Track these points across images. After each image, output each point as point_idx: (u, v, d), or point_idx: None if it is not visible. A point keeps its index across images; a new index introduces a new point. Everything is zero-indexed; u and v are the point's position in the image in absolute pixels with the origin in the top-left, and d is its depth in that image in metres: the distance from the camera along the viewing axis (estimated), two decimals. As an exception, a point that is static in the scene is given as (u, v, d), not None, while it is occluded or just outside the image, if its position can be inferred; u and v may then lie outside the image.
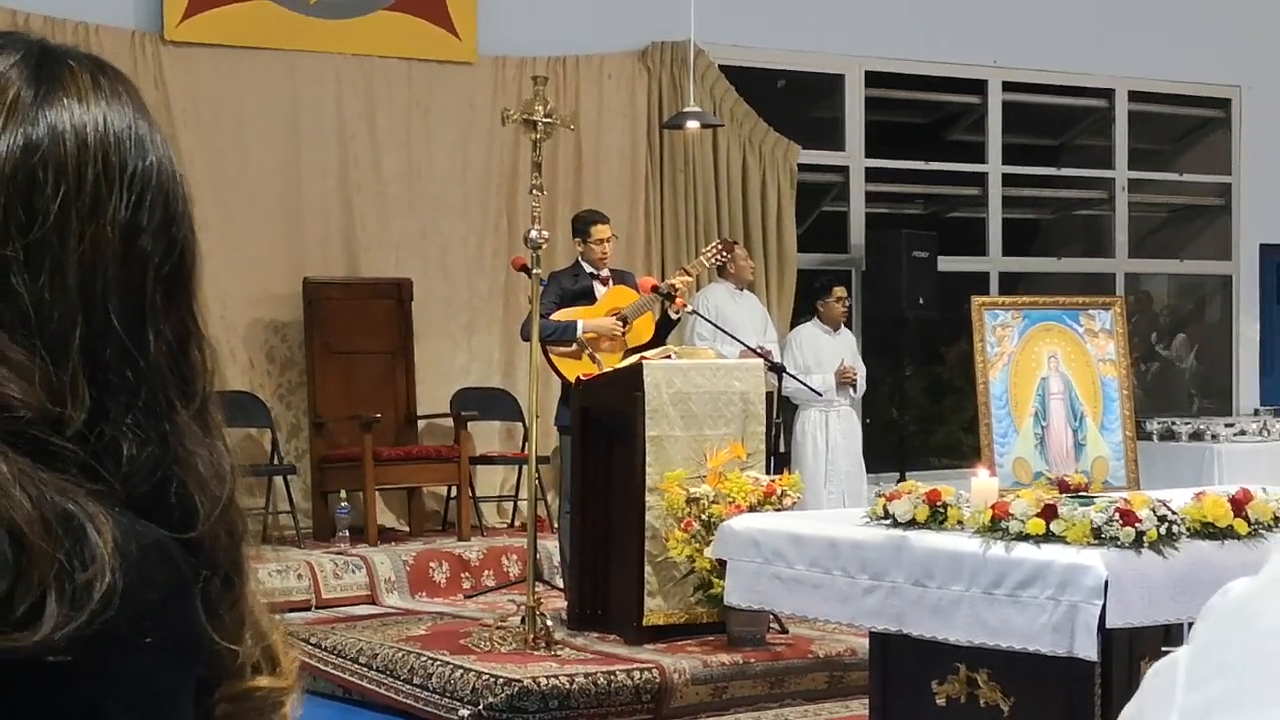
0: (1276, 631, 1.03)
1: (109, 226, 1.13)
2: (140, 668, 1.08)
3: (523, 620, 7.97)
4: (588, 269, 9.11)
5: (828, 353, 11.48)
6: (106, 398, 1.11)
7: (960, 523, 5.53)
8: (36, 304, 1.10)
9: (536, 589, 8.15)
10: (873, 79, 13.06)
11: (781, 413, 9.60)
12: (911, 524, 5.62)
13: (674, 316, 9.01)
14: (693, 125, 11.22)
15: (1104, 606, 4.96)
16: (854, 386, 11.52)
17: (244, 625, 1.17)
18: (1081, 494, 5.97)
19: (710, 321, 10.12)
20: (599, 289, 9.06)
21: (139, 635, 1.07)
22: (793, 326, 11.99)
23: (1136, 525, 5.13)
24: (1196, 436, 12.44)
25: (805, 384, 10.46)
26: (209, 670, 1.14)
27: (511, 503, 11.41)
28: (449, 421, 11.02)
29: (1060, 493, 5.85)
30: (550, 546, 9.70)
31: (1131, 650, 5.13)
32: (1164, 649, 5.00)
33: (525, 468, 9.69)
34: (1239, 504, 5.38)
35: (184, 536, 1.12)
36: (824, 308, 11.58)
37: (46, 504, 1.05)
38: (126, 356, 1.12)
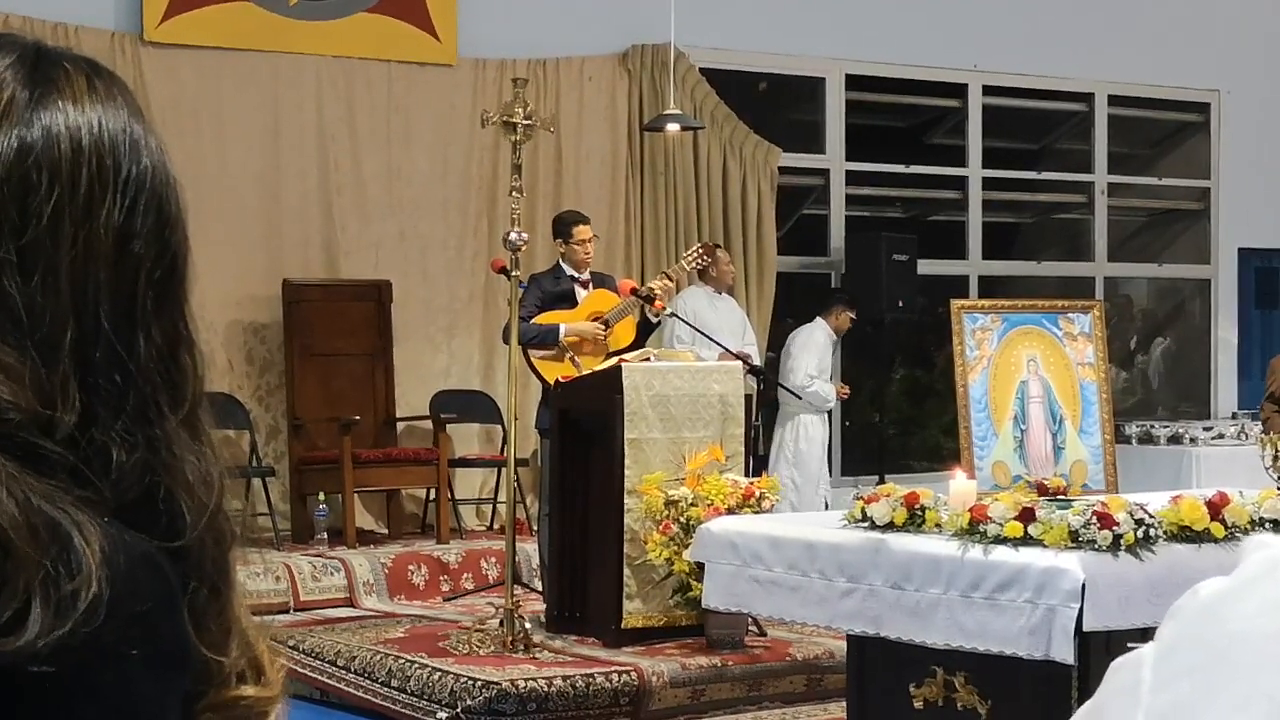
0: (1243, 634, 1.02)
1: (102, 230, 1.12)
2: (125, 679, 1.07)
3: (501, 623, 7.96)
4: (568, 271, 9.11)
5: (830, 361, 11.72)
6: (96, 402, 1.10)
7: (938, 525, 5.54)
8: (28, 306, 1.09)
9: (515, 591, 8.14)
10: (853, 82, 13.06)
11: (760, 415, 9.61)
12: (889, 526, 5.63)
13: (654, 320, 9.01)
14: (673, 128, 11.23)
15: (1081, 610, 4.96)
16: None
17: (230, 635, 1.16)
18: (1060, 497, 5.99)
19: (689, 324, 10.11)
20: (580, 292, 9.06)
21: (125, 646, 1.06)
22: (786, 327, 12.05)
23: (1114, 528, 5.14)
24: (1175, 440, 12.46)
25: (788, 388, 10.49)
26: (194, 681, 1.13)
27: (490, 505, 11.40)
28: (428, 424, 11.01)
29: (1039, 496, 5.86)
30: (529, 549, 9.68)
31: (1108, 653, 5.11)
32: (1129, 645, 5.01)
33: (504, 470, 9.68)
34: (1216, 507, 5.40)
35: (172, 545, 1.11)
36: (836, 319, 11.68)
37: (34, 510, 1.04)
38: (116, 360, 1.12)
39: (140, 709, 1.08)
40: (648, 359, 8.44)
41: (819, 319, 11.79)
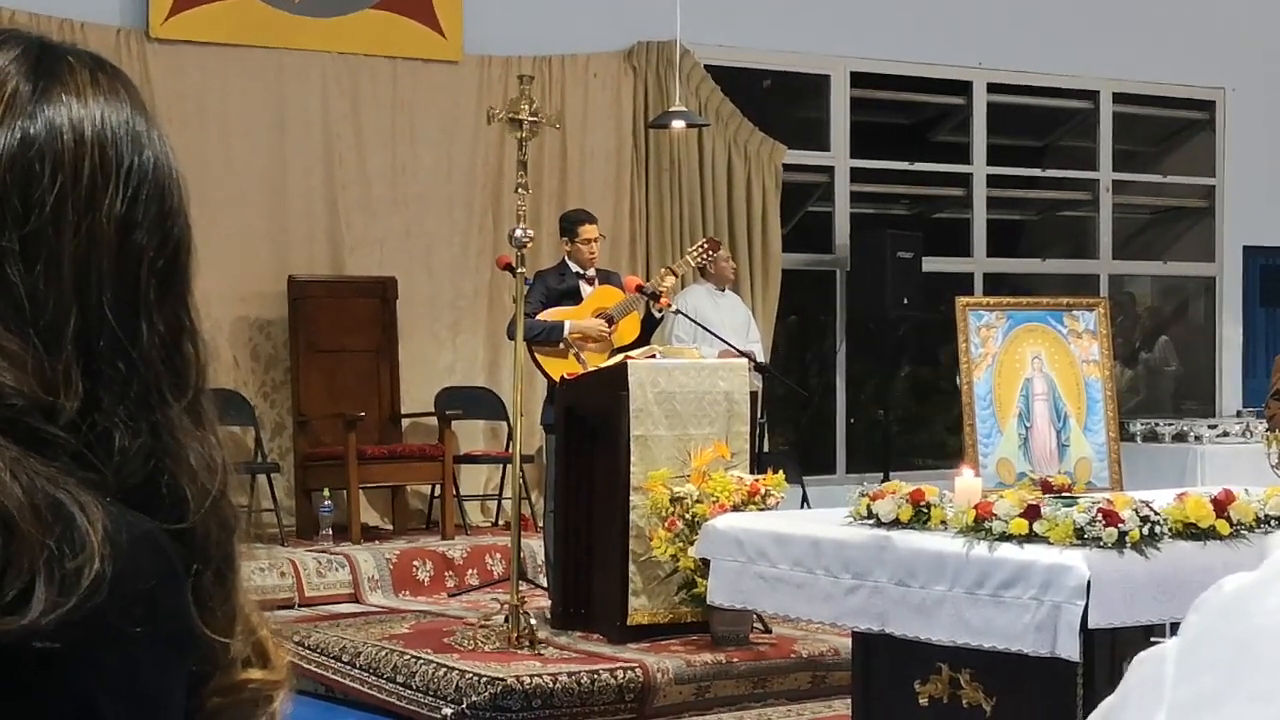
0: (1266, 629, 1.02)
1: (104, 219, 1.14)
2: (129, 656, 1.08)
3: (506, 619, 7.96)
4: (574, 268, 9.10)
5: None
6: (99, 388, 1.12)
7: (943, 523, 5.53)
8: (31, 294, 1.11)
9: (520, 588, 8.14)
10: (858, 79, 13.07)
11: (765, 413, 9.61)
12: (895, 524, 5.63)
13: (658, 316, 9.01)
14: (678, 125, 11.23)
15: (1086, 607, 4.96)
16: None
17: (235, 619, 1.18)
18: (1064, 495, 5.98)
19: (692, 319, 10.11)
20: (585, 289, 9.06)
21: (128, 624, 1.07)
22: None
23: (1119, 526, 5.14)
24: (1179, 438, 12.46)
25: (795, 387, 10.50)
26: (200, 663, 1.14)
27: (495, 501, 11.41)
28: (433, 420, 11.02)
29: (1043, 493, 5.86)
30: (534, 545, 9.69)
31: (1113, 650, 5.13)
32: (1152, 639, 5.01)
33: (509, 466, 9.68)
34: (1221, 505, 5.39)
35: (175, 527, 1.13)
36: None
37: (37, 491, 1.06)
38: (119, 348, 1.13)
39: (145, 685, 1.09)
40: (653, 356, 8.44)
41: None
